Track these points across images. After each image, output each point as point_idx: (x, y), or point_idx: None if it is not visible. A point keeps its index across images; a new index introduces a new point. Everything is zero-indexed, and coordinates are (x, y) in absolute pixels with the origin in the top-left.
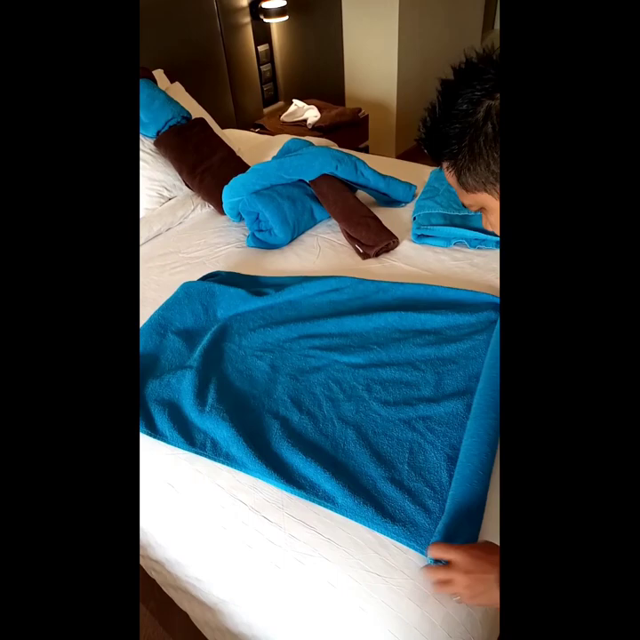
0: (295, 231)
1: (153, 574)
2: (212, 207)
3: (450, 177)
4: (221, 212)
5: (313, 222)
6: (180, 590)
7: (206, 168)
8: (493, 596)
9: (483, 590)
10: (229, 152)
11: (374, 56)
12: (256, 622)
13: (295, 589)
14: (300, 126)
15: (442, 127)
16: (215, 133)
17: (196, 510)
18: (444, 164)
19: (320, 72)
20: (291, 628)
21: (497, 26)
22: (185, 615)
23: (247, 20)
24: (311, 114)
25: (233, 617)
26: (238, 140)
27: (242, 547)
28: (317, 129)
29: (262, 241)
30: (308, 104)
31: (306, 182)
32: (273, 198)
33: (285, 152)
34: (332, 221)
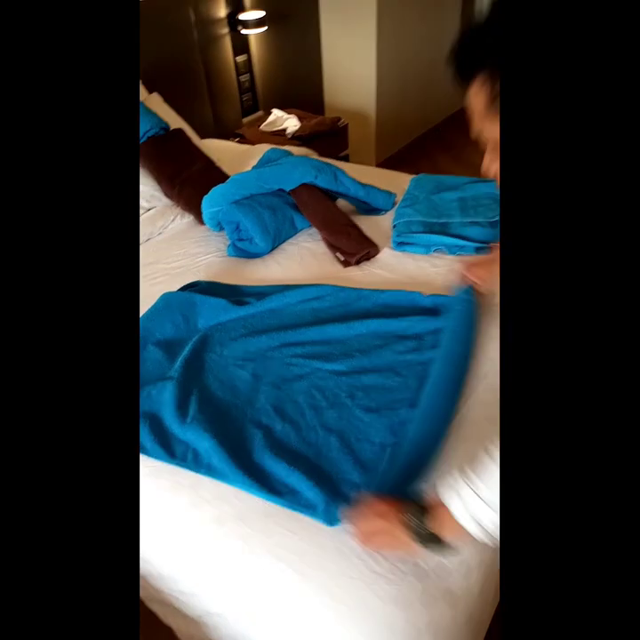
0: (276, 240)
1: None
2: (191, 217)
3: (479, 96)
4: (201, 222)
5: (294, 231)
6: (165, 604)
7: (185, 178)
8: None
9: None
10: (208, 162)
11: (353, 66)
12: (242, 633)
13: (279, 598)
14: (279, 136)
15: (496, 27)
16: (194, 144)
17: (178, 523)
18: (479, 79)
19: (299, 82)
20: (276, 636)
21: None
22: (168, 631)
23: (225, 31)
24: (291, 123)
25: (218, 629)
26: (217, 149)
27: (226, 557)
28: (297, 138)
29: (243, 250)
30: (288, 113)
31: (286, 192)
32: (253, 208)
33: (265, 162)
34: (313, 230)
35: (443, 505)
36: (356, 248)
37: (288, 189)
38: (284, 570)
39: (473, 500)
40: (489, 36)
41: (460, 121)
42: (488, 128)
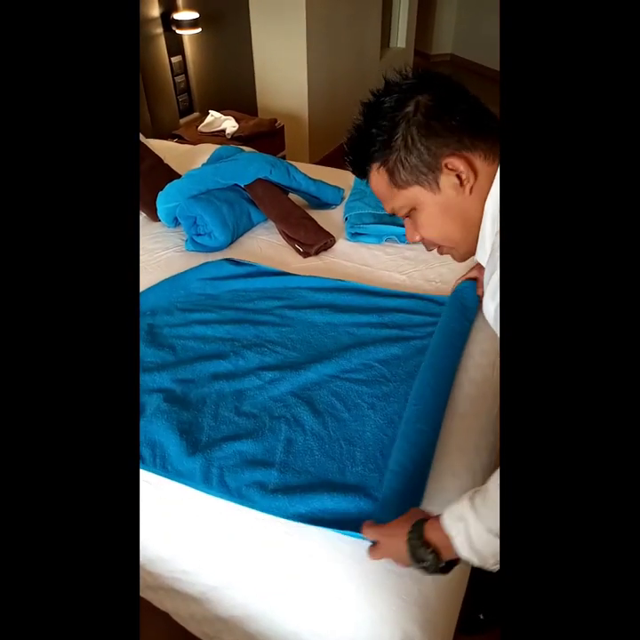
0: (234, 233)
1: None
2: (144, 214)
3: (380, 180)
4: (154, 218)
5: (250, 225)
6: (161, 590)
7: None
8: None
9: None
10: (157, 160)
11: (284, 69)
12: (252, 601)
13: (286, 563)
14: (218, 136)
15: (369, 130)
16: (141, 141)
17: (174, 502)
18: (374, 167)
19: (233, 84)
20: (287, 600)
21: (392, 44)
22: (164, 617)
23: (159, 30)
24: (229, 124)
25: (223, 602)
26: (160, 149)
27: (226, 529)
28: (237, 139)
29: (201, 245)
30: (225, 115)
31: (241, 187)
32: (211, 202)
33: (216, 159)
34: (268, 223)
35: (442, 531)
36: (313, 239)
37: (243, 184)
38: (288, 533)
39: (480, 534)
40: (369, 138)
41: None
42: (397, 200)
